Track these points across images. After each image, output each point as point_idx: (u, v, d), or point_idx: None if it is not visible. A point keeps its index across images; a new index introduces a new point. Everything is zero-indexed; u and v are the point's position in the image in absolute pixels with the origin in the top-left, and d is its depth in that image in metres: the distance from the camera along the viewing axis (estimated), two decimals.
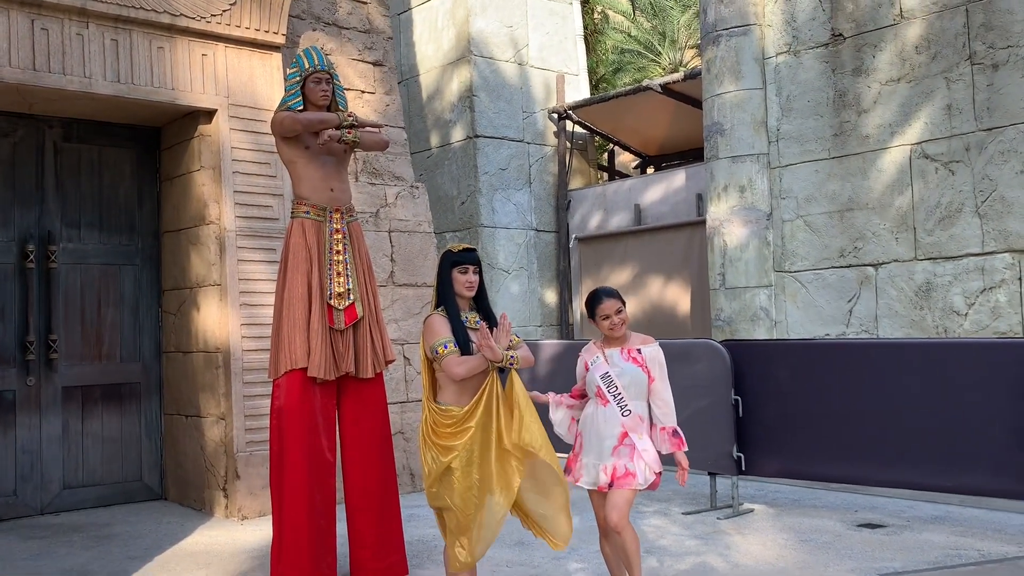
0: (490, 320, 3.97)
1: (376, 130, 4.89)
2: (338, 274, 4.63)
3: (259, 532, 5.87)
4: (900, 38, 7.60)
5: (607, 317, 4.03)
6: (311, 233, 4.63)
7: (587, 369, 4.08)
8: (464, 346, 3.79)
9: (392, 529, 4.71)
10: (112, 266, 6.92)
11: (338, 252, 4.66)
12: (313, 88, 4.74)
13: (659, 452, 4.01)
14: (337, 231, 4.68)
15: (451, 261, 3.91)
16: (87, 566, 5.15)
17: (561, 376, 7.79)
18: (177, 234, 6.91)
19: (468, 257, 3.92)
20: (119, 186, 6.99)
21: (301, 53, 4.82)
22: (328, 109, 4.85)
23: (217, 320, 6.45)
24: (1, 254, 6.46)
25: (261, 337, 6.42)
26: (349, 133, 4.65)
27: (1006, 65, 6.99)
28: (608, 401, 3.97)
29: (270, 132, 6.59)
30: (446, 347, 3.76)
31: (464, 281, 3.90)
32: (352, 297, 4.64)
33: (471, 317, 3.93)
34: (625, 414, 3.97)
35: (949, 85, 7.31)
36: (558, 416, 4.21)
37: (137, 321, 7.00)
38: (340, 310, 4.61)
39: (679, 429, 4.07)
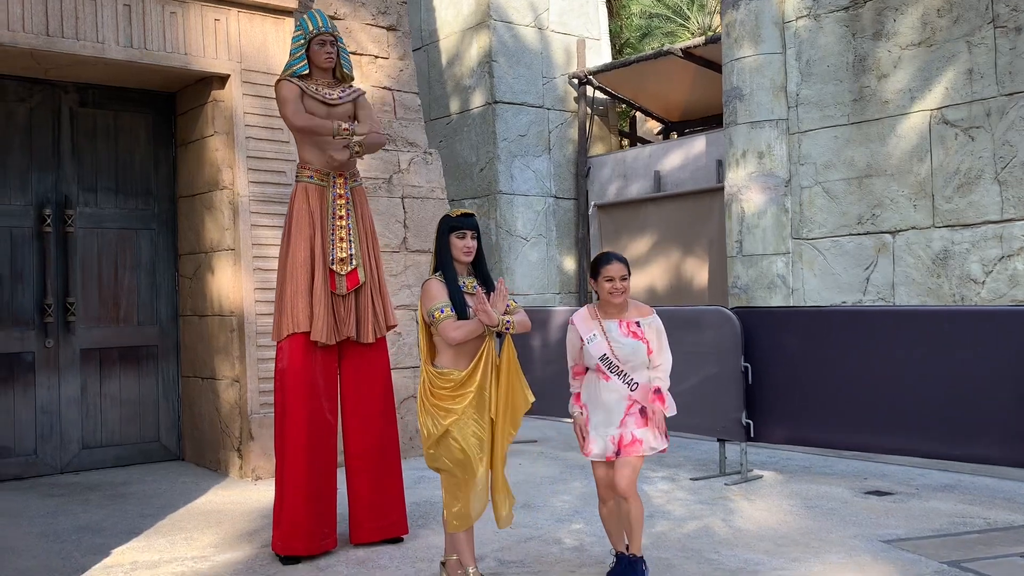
0: (488, 285, 3.99)
1: (375, 133, 4.88)
2: (340, 239, 4.65)
3: (271, 492, 5.95)
4: (922, 1, 7.45)
5: (611, 279, 3.96)
6: (314, 197, 4.65)
7: (582, 343, 4.03)
8: (461, 311, 3.81)
9: (392, 490, 4.77)
10: (129, 230, 7.00)
11: (341, 217, 4.68)
12: (317, 51, 4.74)
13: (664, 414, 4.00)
14: (340, 196, 4.70)
15: (449, 226, 3.92)
16: (101, 523, 5.27)
17: None
18: (192, 199, 6.97)
19: (466, 222, 3.93)
20: (135, 151, 7.05)
21: (305, 16, 4.82)
22: (333, 72, 4.86)
23: (231, 284, 6.52)
24: (19, 218, 6.56)
25: (273, 301, 6.47)
26: (356, 147, 4.67)
27: None
28: (610, 377, 3.96)
29: None
30: (442, 311, 3.79)
31: (462, 247, 3.92)
32: (354, 263, 4.67)
33: (468, 282, 3.95)
34: (633, 388, 3.96)
35: (971, 49, 7.17)
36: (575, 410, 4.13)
37: (154, 284, 7.10)
38: (342, 275, 4.64)
39: (665, 391, 4.02)
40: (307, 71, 4.74)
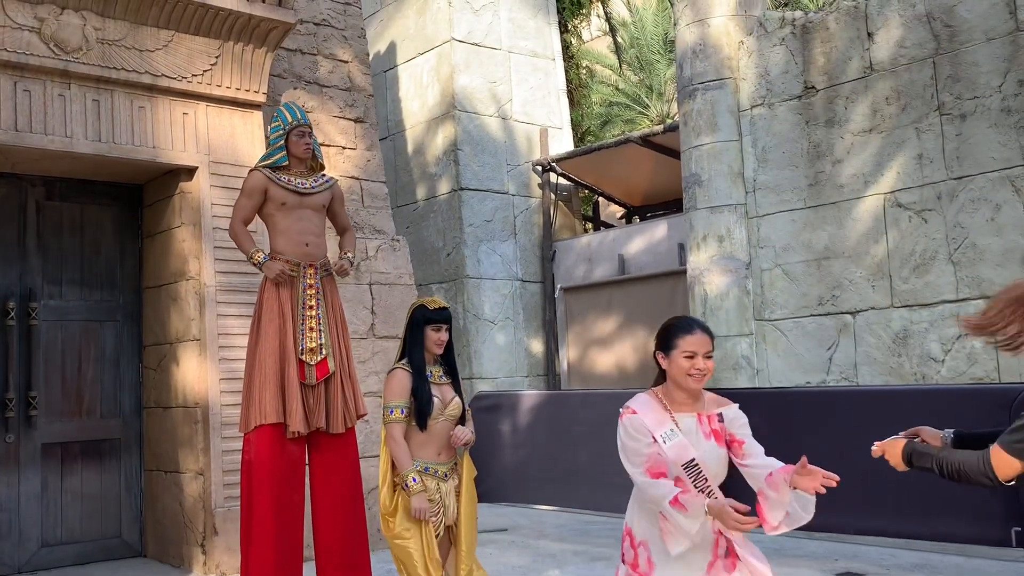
0: (454, 375, 4.05)
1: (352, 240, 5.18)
2: (311, 329, 4.66)
3: None
4: (871, 90, 7.75)
5: (692, 356, 2.97)
6: (284, 287, 4.67)
7: (655, 443, 2.95)
8: (425, 401, 3.85)
9: None
10: (93, 322, 6.95)
11: (311, 307, 4.70)
12: (296, 141, 4.84)
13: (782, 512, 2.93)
14: (311, 286, 4.73)
15: (425, 318, 3.97)
16: None
17: (542, 425, 7.80)
18: (158, 290, 6.96)
19: (442, 315, 4.00)
20: (101, 243, 7.05)
21: (282, 108, 4.92)
22: (306, 163, 4.95)
23: (196, 375, 6.47)
24: None
25: (239, 391, 6.41)
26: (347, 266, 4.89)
27: (973, 115, 7.13)
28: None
29: None
30: (392, 412, 3.87)
31: (436, 339, 3.99)
32: (324, 352, 4.68)
33: (435, 371, 4.00)
34: None
35: (919, 135, 7.44)
36: (690, 524, 2.82)
37: (118, 377, 7.02)
38: (312, 365, 4.64)
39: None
40: (287, 162, 4.82)
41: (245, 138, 6.81)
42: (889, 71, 7.64)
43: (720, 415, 3.08)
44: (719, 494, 2.91)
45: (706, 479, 2.91)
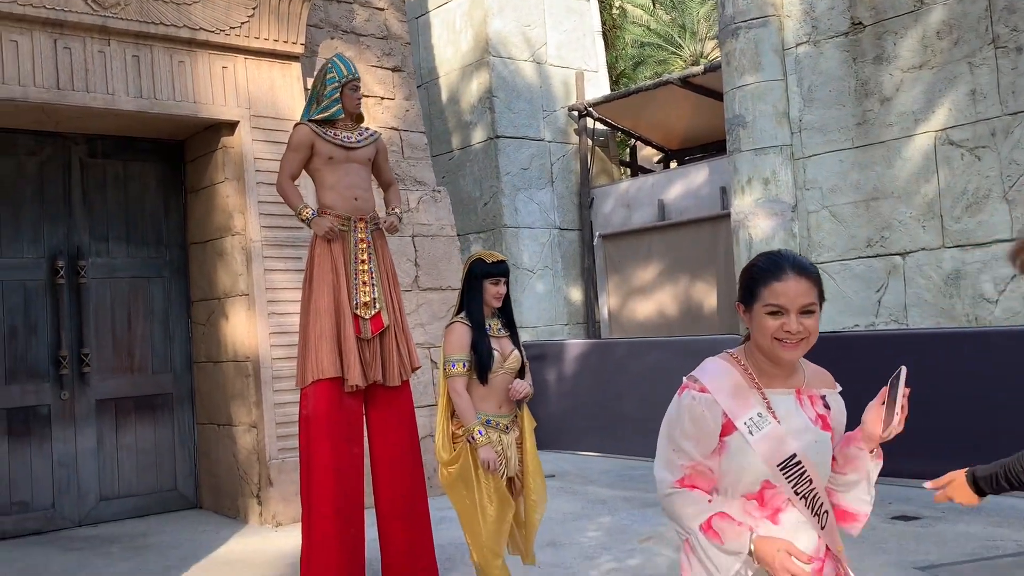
0: (512, 328, 4.03)
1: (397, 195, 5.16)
2: (363, 283, 4.66)
3: (293, 538, 5.91)
4: (921, 24, 7.51)
5: (778, 312, 2.10)
6: (336, 242, 4.66)
7: (730, 433, 2.12)
8: (486, 355, 3.83)
9: (422, 534, 4.74)
10: (141, 279, 7.00)
11: (363, 261, 4.69)
12: (351, 96, 4.79)
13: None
14: (362, 240, 4.72)
15: (484, 272, 3.93)
16: None
17: (587, 373, 7.80)
18: (203, 245, 6.98)
19: (500, 268, 3.96)
20: (145, 199, 7.07)
21: (335, 60, 4.84)
22: (358, 117, 4.91)
23: (246, 330, 6.51)
24: (32, 271, 6.55)
25: (289, 345, 6.47)
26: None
27: None
28: (788, 508, 2.14)
29: None
30: (454, 366, 3.85)
31: (494, 292, 3.96)
32: (378, 306, 4.68)
33: (494, 324, 3.98)
34: (823, 523, 2.19)
35: (972, 70, 7.22)
36: (725, 562, 2.07)
37: (167, 333, 7.08)
38: (366, 319, 4.64)
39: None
40: (343, 115, 4.77)
41: (285, 90, 6.75)
42: (941, 3, 7.40)
43: (824, 399, 2.26)
44: (827, 504, 2.18)
45: (811, 482, 2.13)
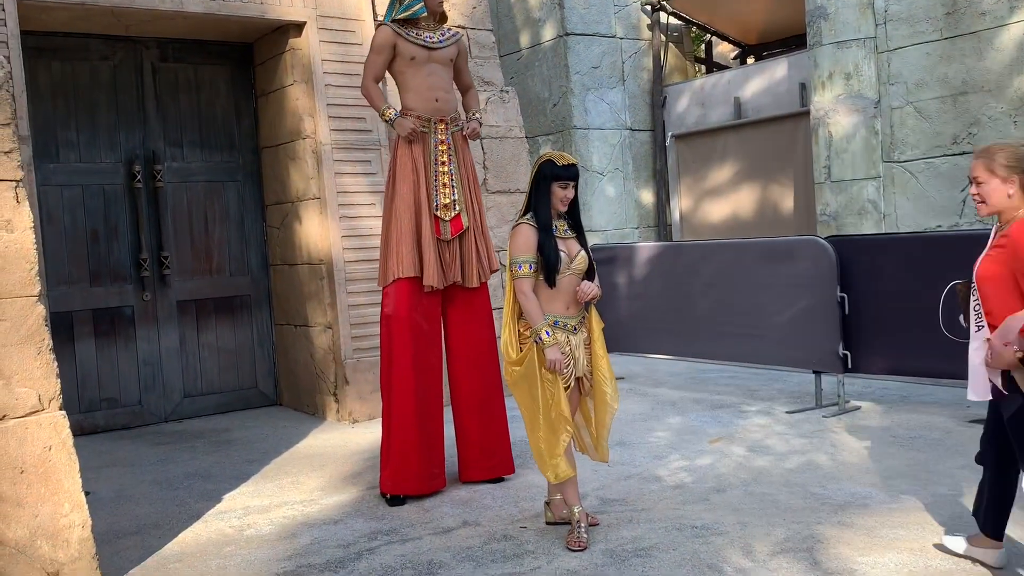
0: (579, 230, 3.98)
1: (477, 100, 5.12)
2: (444, 185, 4.67)
3: (369, 434, 6.08)
4: None
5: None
6: (416, 144, 4.66)
7: None
8: (553, 257, 3.81)
9: (498, 430, 4.83)
10: (215, 183, 7.10)
11: (443, 163, 4.69)
12: None
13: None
14: (442, 142, 4.72)
15: (553, 174, 3.88)
16: (210, 470, 5.44)
17: (658, 276, 7.72)
18: (275, 149, 7.02)
19: (570, 172, 3.90)
20: (216, 103, 7.11)
21: None
22: (441, 17, 4.87)
23: (319, 232, 6.58)
24: (110, 175, 6.69)
25: (362, 248, 6.54)
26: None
27: None
28: None
29: (359, 43, 6.61)
30: (520, 268, 3.84)
31: (562, 196, 3.91)
32: (458, 208, 4.70)
33: (560, 226, 3.95)
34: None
35: None
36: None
37: (243, 236, 7.21)
38: (446, 220, 4.67)
39: None
40: (425, 13, 4.73)
41: None
42: None
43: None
44: None
45: None
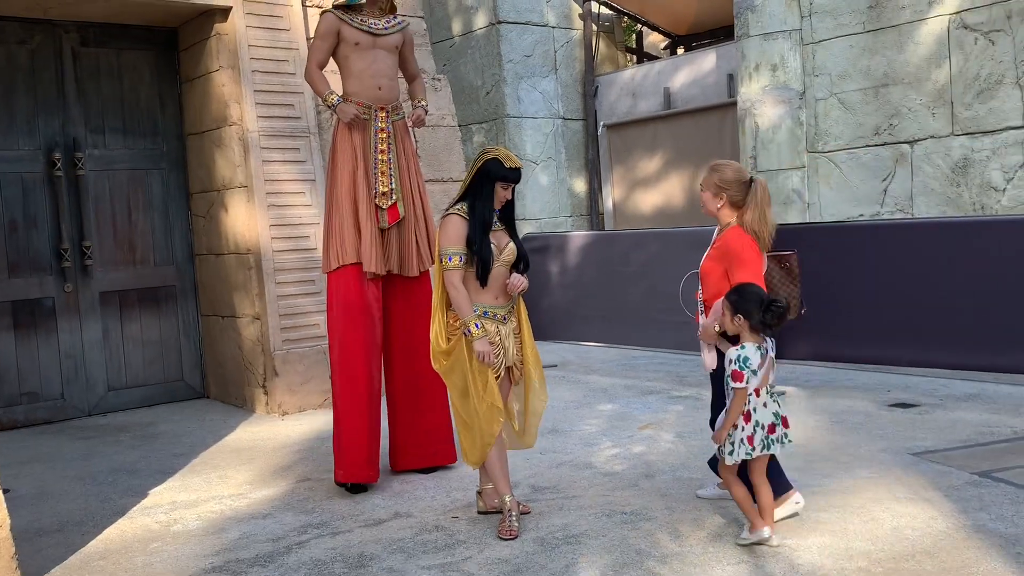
0: (511, 223, 3.99)
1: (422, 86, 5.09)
2: (382, 173, 4.65)
3: (299, 426, 6.02)
4: None
5: None
6: (357, 131, 4.64)
7: None
8: (487, 256, 3.81)
9: (440, 419, 4.82)
10: (139, 171, 6.93)
11: (382, 151, 4.67)
12: None
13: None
14: (382, 130, 4.69)
15: (501, 175, 3.86)
16: (135, 464, 5.33)
17: (591, 265, 7.80)
18: (201, 136, 6.88)
19: (516, 176, 3.90)
20: (140, 89, 6.94)
21: None
22: (390, 7, 4.85)
23: (246, 222, 6.48)
24: (28, 163, 6.48)
25: (291, 237, 6.46)
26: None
27: None
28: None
29: (287, 28, 6.51)
30: (451, 260, 3.83)
31: (502, 196, 3.93)
32: (395, 196, 4.66)
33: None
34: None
35: None
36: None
37: (168, 225, 7.06)
38: (384, 209, 4.64)
39: None
40: (363, 0, 4.69)
41: None
42: None
43: None
44: None
45: None
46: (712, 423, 3.82)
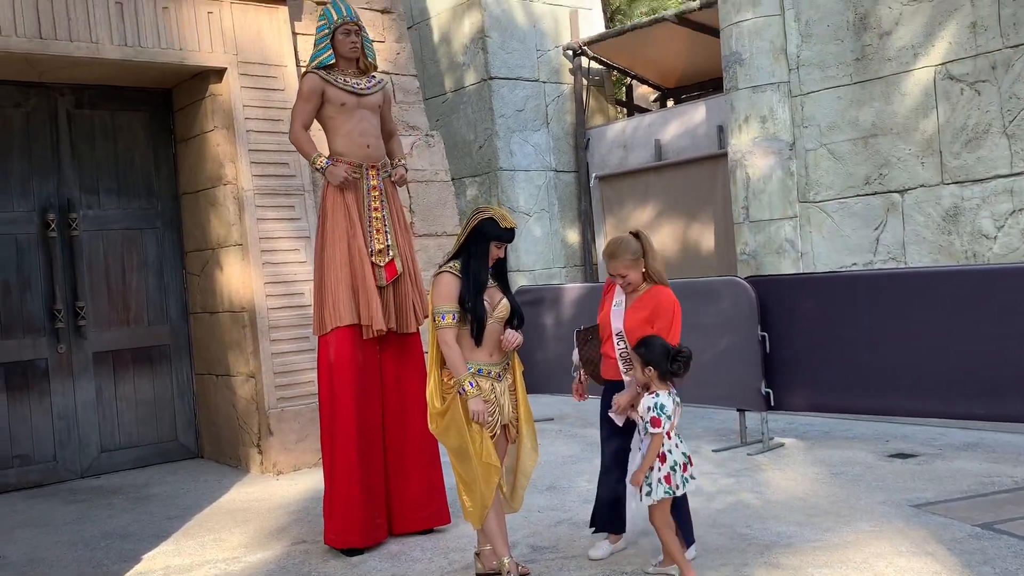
0: (504, 280, 3.99)
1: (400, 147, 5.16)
2: (377, 231, 4.66)
3: (294, 486, 5.96)
4: None
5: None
6: (348, 190, 4.64)
7: None
8: (481, 317, 3.81)
9: (433, 479, 4.78)
10: (133, 230, 6.94)
11: (376, 209, 4.69)
12: (342, 40, 4.74)
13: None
14: (374, 188, 4.71)
15: (495, 235, 3.87)
16: (128, 528, 5.26)
17: (585, 317, 7.77)
18: (195, 195, 6.91)
19: (511, 235, 3.91)
20: (134, 150, 6.97)
21: (328, 6, 4.79)
22: (356, 63, 4.83)
23: (240, 280, 6.48)
24: (23, 224, 6.49)
25: (286, 295, 6.46)
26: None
27: None
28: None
29: (281, 88, 6.58)
30: (444, 318, 3.82)
31: (495, 255, 3.94)
32: (392, 253, 4.68)
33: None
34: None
35: (973, 2, 7.07)
36: None
37: (162, 284, 7.05)
38: (381, 267, 4.64)
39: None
40: (333, 61, 4.71)
41: (272, 36, 6.62)
42: None
43: None
44: None
45: None
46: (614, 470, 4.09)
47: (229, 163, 6.48)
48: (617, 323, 4.02)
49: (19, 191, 6.49)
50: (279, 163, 6.55)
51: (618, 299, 4.05)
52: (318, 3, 6.90)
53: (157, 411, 6.98)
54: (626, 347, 3.96)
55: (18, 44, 5.67)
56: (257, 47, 6.55)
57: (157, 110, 7.06)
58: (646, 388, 3.81)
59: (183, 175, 7.06)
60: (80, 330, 6.62)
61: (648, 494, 3.74)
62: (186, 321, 7.13)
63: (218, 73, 6.47)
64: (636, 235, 4.03)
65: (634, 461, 3.84)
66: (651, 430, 3.71)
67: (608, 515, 4.18)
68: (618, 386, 4.03)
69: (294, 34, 6.79)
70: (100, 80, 6.61)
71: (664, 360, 3.73)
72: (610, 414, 4.03)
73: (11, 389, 6.38)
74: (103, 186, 6.82)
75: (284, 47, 6.64)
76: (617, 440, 4.10)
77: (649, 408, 3.73)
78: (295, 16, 6.85)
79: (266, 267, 6.41)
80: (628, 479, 3.83)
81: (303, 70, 4.96)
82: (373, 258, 4.64)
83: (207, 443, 7.07)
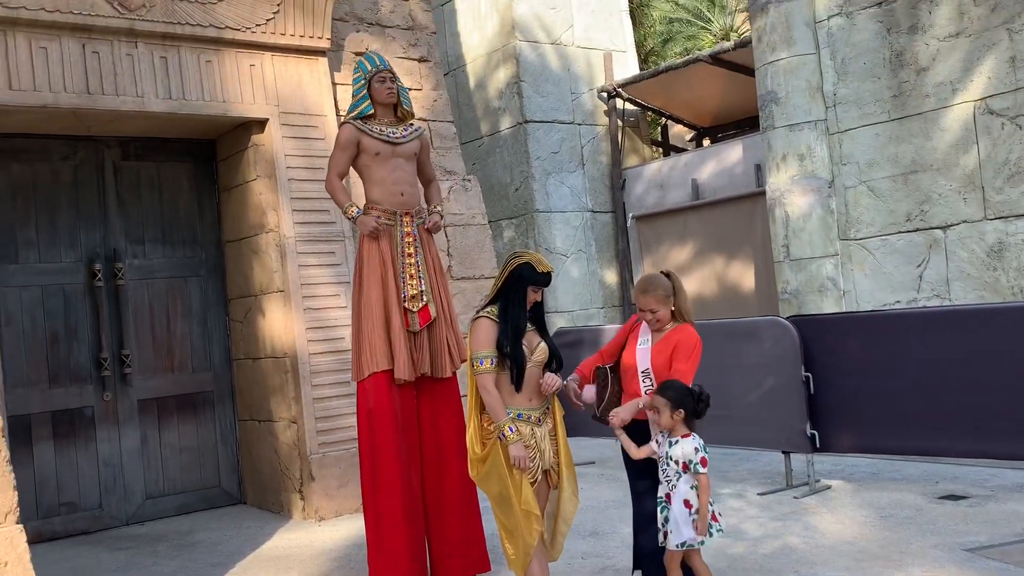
0: (541, 323, 3.99)
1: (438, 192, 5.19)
2: (411, 276, 4.70)
3: (336, 532, 5.96)
4: None
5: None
6: (383, 237, 4.69)
7: None
8: (520, 363, 3.82)
9: (472, 526, 4.75)
10: (178, 279, 7.06)
11: (410, 255, 4.73)
12: (379, 88, 4.82)
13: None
14: (407, 234, 4.75)
15: (532, 280, 3.89)
16: (173, 575, 5.28)
17: None
18: (238, 243, 7.01)
19: (547, 280, 3.92)
20: (179, 200, 7.11)
21: (363, 58, 4.90)
22: (394, 109, 4.91)
23: (283, 325, 6.54)
24: (70, 274, 6.62)
25: (327, 340, 6.50)
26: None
27: None
28: None
29: (322, 137, 6.69)
30: (482, 363, 3.84)
31: (532, 299, 3.94)
32: (425, 299, 4.71)
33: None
34: None
35: (1012, 36, 7.03)
36: None
37: (206, 331, 7.14)
38: (414, 312, 4.67)
39: None
40: (372, 111, 4.79)
41: (312, 86, 6.74)
42: None
43: None
44: None
45: None
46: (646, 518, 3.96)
47: (271, 211, 6.58)
48: (644, 362, 3.99)
49: (67, 242, 6.63)
50: (320, 210, 6.64)
51: (643, 337, 4.03)
52: (356, 54, 7.03)
53: (201, 457, 7.04)
54: (652, 384, 3.93)
55: (67, 99, 5.83)
56: (298, 97, 6.67)
57: (201, 161, 7.20)
58: (668, 432, 3.77)
59: (226, 223, 7.18)
60: (125, 378, 6.72)
61: (673, 535, 3.72)
62: (229, 367, 7.21)
63: (260, 124, 6.60)
64: (667, 275, 4.07)
65: (675, 509, 3.75)
66: (700, 470, 3.69)
67: (657, 565, 4.01)
68: (637, 425, 3.91)
69: (333, 84, 6.91)
70: (145, 132, 6.77)
71: (691, 400, 3.73)
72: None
73: (58, 437, 6.47)
74: (148, 236, 6.95)
75: (324, 97, 6.76)
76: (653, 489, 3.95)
77: (696, 449, 3.72)
78: (334, 67, 6.98)
79: (307, 313, 6.47)
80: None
81: (341, 120, 5.03)
82: (407, 303, 4.67)
83: (250, 489, 7.10)
